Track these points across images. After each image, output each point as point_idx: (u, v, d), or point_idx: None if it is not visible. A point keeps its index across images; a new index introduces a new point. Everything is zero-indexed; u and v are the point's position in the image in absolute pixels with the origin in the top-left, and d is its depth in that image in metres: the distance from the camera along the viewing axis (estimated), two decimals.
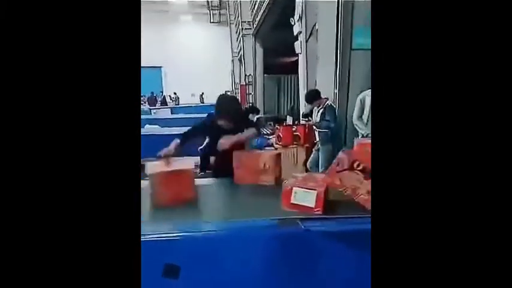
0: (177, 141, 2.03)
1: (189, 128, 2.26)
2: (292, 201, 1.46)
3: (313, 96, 4.06)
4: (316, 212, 1.41)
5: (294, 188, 1.47)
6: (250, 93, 11.55)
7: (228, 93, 16.49)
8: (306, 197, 1.45)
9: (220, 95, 2.33)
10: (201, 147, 2.87)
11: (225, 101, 2.22)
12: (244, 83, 11.93)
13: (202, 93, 18.45)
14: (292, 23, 5.42)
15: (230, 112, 2.15)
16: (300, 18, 5.15)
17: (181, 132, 2.23)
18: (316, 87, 4.42)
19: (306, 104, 4.18)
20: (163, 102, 16.24)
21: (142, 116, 9.36)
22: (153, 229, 1.32)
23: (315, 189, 1.44)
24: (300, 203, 1.45)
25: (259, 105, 9.31)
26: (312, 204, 1.43)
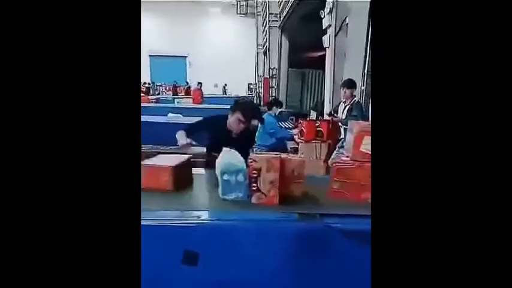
0: (183, 134, 2.12)
1: (196, 121, 2.36)
2: None
3: (352, 83, 3.93)
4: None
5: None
6: (274, 87, 11.45)
7: (252, 86, 16.38)
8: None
9: (241, 97, 2.47)
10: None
11: (245, 101, 2.40)
12: (268, 76, 11.83)
13: (225, 84, 18.50)
14: (322, 16, 5.29)
15: (248, 109, 2.21)
16: (331, 11, 5.01)
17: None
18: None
19: (342, 88, 4.00)
20: (187, 92, 16.37)
21: (166, 105, 9.49)
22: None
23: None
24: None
25: (282, 99, 9.19)
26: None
